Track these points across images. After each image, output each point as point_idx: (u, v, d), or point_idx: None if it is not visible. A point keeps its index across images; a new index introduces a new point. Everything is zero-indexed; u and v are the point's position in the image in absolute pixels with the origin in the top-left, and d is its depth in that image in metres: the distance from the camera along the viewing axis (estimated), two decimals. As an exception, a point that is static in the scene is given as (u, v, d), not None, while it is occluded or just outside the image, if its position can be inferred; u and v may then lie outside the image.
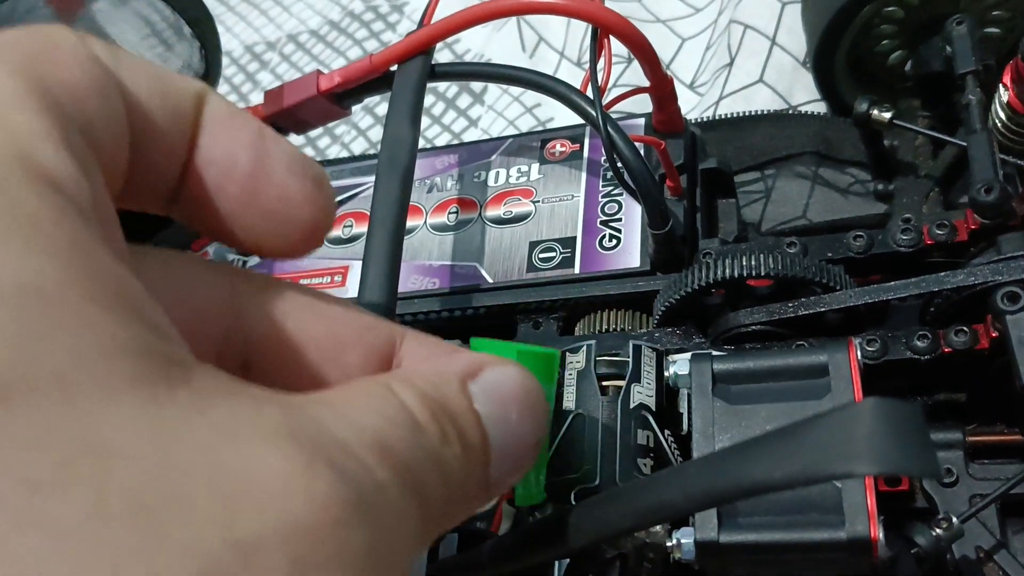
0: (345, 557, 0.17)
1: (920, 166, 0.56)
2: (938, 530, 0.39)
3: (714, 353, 0.43)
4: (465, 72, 0.59)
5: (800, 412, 0.39)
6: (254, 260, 0.60)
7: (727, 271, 0.45)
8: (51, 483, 0.15)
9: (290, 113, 0.57)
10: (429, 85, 0.51)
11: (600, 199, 0.53)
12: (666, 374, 0.44)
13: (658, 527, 0.39)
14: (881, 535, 0.37)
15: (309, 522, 0.17)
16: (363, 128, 0.88)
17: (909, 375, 0.44)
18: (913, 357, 0.43)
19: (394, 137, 0.48)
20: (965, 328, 0.42)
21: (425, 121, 0.77)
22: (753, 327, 0.46)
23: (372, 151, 0.84)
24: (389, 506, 0.19)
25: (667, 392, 0.45)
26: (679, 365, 0.43)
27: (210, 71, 0.62)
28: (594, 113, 0.47)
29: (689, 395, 0.42)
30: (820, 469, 0.30)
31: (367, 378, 0.23)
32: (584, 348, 0.46)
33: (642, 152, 0.48)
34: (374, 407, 0.21)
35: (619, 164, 0.47)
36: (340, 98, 0.56)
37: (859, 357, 0.40)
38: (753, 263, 0.44)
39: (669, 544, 0.39)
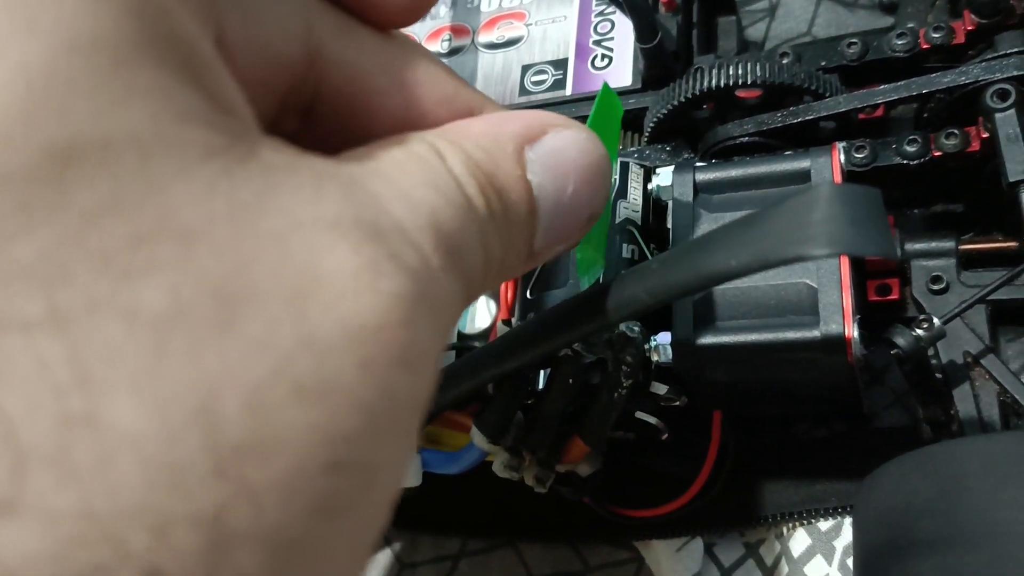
0: (410, 356, 0.17)
1: (927, -28, 0.53)
2: (919, 331, 0.39)
3: (697, 164, 0.43)
4: None
5: (780, 217, 0.39)
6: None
7: (714, 80, 0.44)
8: (127, 262, 0.14)
9: None
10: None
11: (593, 18, 0.52)
12: (649, 187, 0.44)
13: (636, 330, 0.40)
14: (855, 333, 0.37)
15: (377, 323, 0.16)
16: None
17: (901, 183, 0.43)
18: (903, 162, 0.42)
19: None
20: (956, 131, 0.41)
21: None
22: (742, 139, 0.45)
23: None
24: (444, 294, 0.19)
25: (656, 209, 0.45)
26: (662, 177, 0.43)
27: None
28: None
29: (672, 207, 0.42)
30: (776, 253, 0.30)
31: (416, 137, 0.21)
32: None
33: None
34: (426, 177, 0.19)
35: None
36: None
37: (843, 161, 0.40)
38: (740, 71, 0.43)
39: (647, 347, 0.40)
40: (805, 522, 0.43)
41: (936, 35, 0.44)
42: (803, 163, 0.40)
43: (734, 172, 0.42)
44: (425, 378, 0.18)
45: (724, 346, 0.38)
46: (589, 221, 0.24)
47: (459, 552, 0.50)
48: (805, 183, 0.40)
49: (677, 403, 0.43)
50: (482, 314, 0.50)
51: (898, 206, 0.46)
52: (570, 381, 0.41)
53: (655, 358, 0.40)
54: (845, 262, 0.38)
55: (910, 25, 0.46)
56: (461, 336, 0.49)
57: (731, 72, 0.44)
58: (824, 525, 0.43)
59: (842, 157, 0.40)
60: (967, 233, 0.45)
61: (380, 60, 0.22)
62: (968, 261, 0.44)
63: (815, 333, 0.37)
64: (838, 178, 0.39)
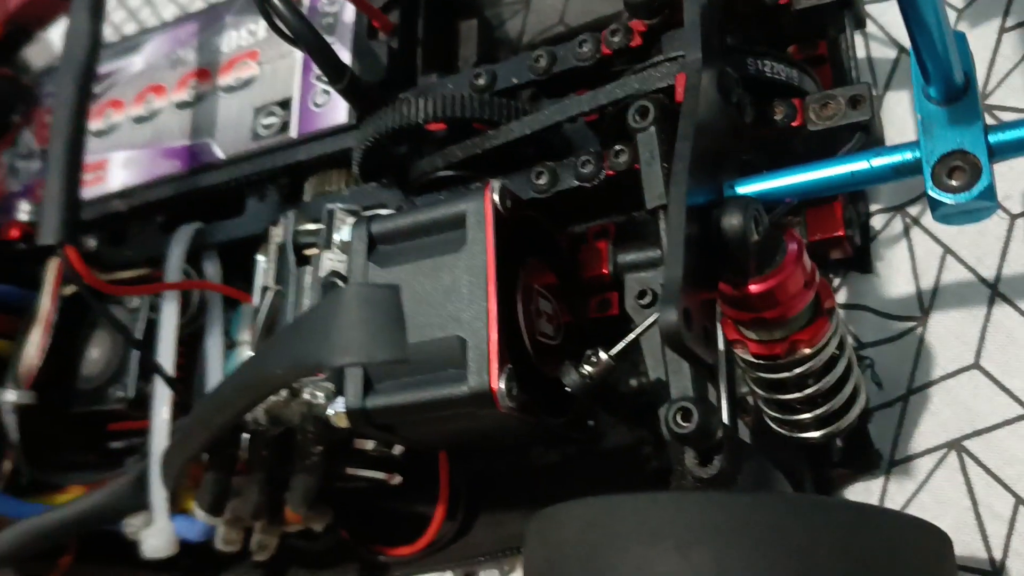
0: None
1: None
2: (587, 367, 0.37)
3: (379, 213, 0.42)
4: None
5: (439, 268, 0.38)
6: (36, 164, 0.60)
7: (391, 122, 0.43)
8: None
9: (20, 15, 0.56)
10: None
11: (314, 52, 0.51)
12: (335, 239, 0.43)
13: (320, 398, 0.40)
14: (501, 384, 0.36)
15: None
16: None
17: (586, 201, 0.42)
18: (581, 185, 0.41)
19: (71, 32, 0.47)
20: (625, 147, 0.40)
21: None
22: (439, 174, 0.44)
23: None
24: None
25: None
26: (344, 232, 0.42)
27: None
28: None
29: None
30: (308, 362, 0.30)
31: None
32: (284, 219, 0.46)
33: None
34: None
35: (275, 19, 0.44)
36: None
37: (496, 200, 0.39)
38: (407, 111, 0.42)
39: (329, 413, 0.40)
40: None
41: (615, 39, 0.42)
42: (459, 207, 0.39)
43: (404, 221, 0.41)
44: None
45: (390, 408, 0.38)
46: None
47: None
48: (462, 228, 0.39)
49: (393, 452, 0.44)
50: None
51: (606, 215, 0.44)
52: (263, 453, 0.42)
53: (336, 424, 0.40)
54: (493, 309, 0.37)
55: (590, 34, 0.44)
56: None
57: (407, 112, 0.42)
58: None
59: (495, 197, 0.38)
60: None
61: None
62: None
63: (463, 388, 0.37)
64: (489, 223, 0.38)
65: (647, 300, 0.41)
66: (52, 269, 0.49)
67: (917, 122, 0.32)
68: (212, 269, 0.50)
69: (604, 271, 0.42)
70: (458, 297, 0.38)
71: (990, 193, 0.31)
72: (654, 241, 0.42)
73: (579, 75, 0.44)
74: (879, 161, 0.32)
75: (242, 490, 0.42)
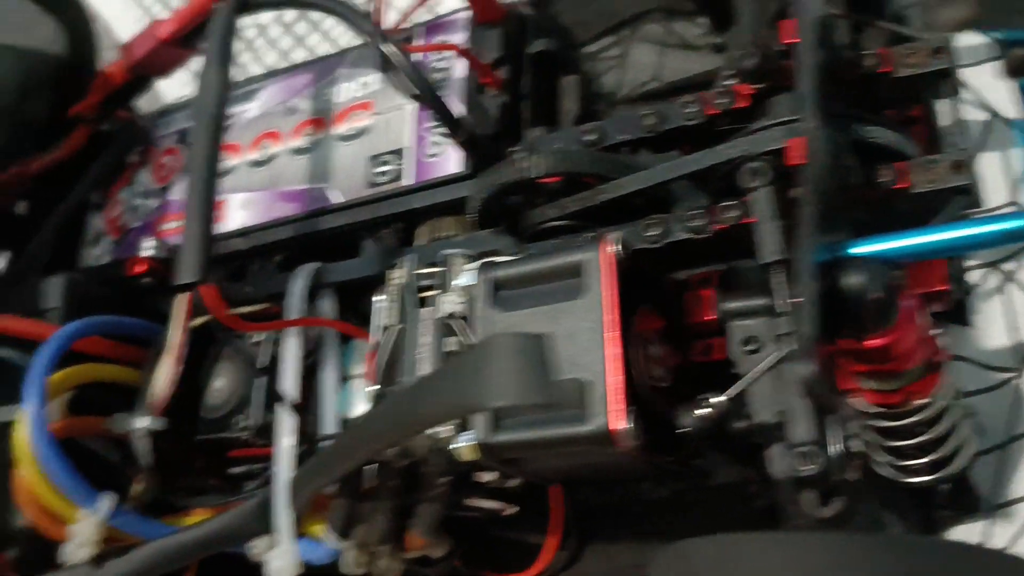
0: None
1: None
2: (699, 411, 0.40)
3: (495, 260, 0.45)
4: (272, 2, 0.59)
5: (558, 313, 0.41)
6: (154, 202, 0.64)
7: (507, 177, 0.46)
8: None
9: (145, 63, 0.60)
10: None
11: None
12: (454, 283, 0.46)
13: (443, 433, 0.43)
14: (625, 425, 0.39)
15: None
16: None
17: (691, 251, 0.45)
18: (691, 237, 0.44)
19: (203, 83, 0.51)
20: (734, 202, 0.43)
21: (289, 42, 0.78)
22: (553, 223, 0.47)
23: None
24: None
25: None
26: (465, 277, 0.45)
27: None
28: (370, 30, 0.48)
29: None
30: (465, 404, 0.33)
31: None
32: (406, 261, 0.49)
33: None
34: None
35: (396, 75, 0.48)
36: (183, 41, 0.58)
37: (616, 250, 0.42)
38: (527, 165, 0.45)
39: (454, 447, 0.43)
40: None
41: (720, 101, 0.45)
42: (575, 257, 0.42)
43: (525, 268, 0.44)
44: None
45: (517, 443, 0.41)
46: None
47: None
48: (578, 276, 0.41)
49: (512, 483, 0.46)
50: (361, 398, 0.54)
51: (707, 263, 0.47)
52: (391, 483, 0.45)
53: (463, 457, 0.43)
54: (611, 354, 0.40)
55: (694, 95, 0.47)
56: (344, 422, 0.53)
57: (517, 167, 0.46)
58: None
59: (611, 248, 0.41)
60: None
61: None
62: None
63: (584, 428, 0.39)
64: (607, 272, 0.41)
65: (753, 347, 0.44)
66: (181, 303, 0.53)
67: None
68: (328, 306, 0.53)
69: (710, 317, 0.45)
70: (577, 341, 0.41)
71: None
72: (758, 290, 0.45)
73: (683, 133, 0.47)
74: (991, 228, 0.34)
75: (368, 516, 0.45)
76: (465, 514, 0.47)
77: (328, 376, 0.52)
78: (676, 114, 0.46)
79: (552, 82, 0.56)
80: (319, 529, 0.49)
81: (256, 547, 0.49)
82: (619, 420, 0.39)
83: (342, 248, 0.55)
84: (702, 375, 0.45)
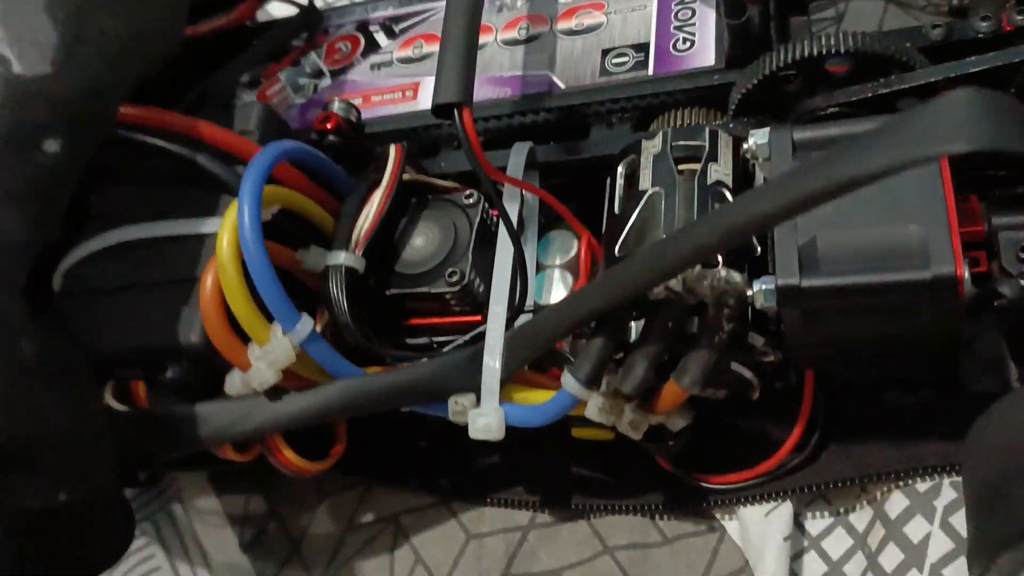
0: None
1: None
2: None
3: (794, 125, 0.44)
4: None
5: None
6: (326, 82, 0.60)
7: (805, 50, 0.45)
8: None
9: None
10: None
11: (673, 6, 0.53)
12: (744, 146, 0.44)
13: (736, 276, 0.40)
14: (967, 273, 0.37)
15: None
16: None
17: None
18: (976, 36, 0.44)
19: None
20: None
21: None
22: (830, 110, 0.46)
23: None
24: None
25: (744, 175, 0.46)
26: (758, 136, 0.43)
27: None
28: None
29: (765, 169, 0.43)
30: (918, 153, 0.30)
31: None
32: (660, 134, 0.47)
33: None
34: None
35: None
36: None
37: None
38: (832, 41, 0.44)
39: (750, 292, 0.40)
40: (902, 483, 0.42)
41: (1020, 17, 0.46)
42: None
43: (833, 131, 0.42)
44: None
45: (830, 288, 0.38)
46: None
47: (528, 524, 0.49)
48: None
49: (771, 359, 0.43)
50: (557, 287, 0.50)
51: (984, 186, 0.46)
52: (669, 324, 0.41)
53: (758, 303, 0.39)
54: (951, 204, 0.38)
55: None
56: (537, 307, 0.49)
57: (823, 42, 0.45)
58: (922, 486, 0.42)
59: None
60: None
61: None
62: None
63: (926, 274, 0.37)
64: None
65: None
66: (392, 154, 0.49)
67: None
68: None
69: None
70: (906, 192, 0.39)
71: None
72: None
73: (971, 47, 0.47)
74: None
75: (624, 363, 0.41)
76: (708, 393, 0.43)
77: (527, 253, 0.48)
78: (969, 27, 0.47)
79: (785, 17, 0.56)
80: (524, 396, 0.44)
81: (459, 403, 0.44)
82: (963, 268, 0.37)
83: (563, 136, 0.52)
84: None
